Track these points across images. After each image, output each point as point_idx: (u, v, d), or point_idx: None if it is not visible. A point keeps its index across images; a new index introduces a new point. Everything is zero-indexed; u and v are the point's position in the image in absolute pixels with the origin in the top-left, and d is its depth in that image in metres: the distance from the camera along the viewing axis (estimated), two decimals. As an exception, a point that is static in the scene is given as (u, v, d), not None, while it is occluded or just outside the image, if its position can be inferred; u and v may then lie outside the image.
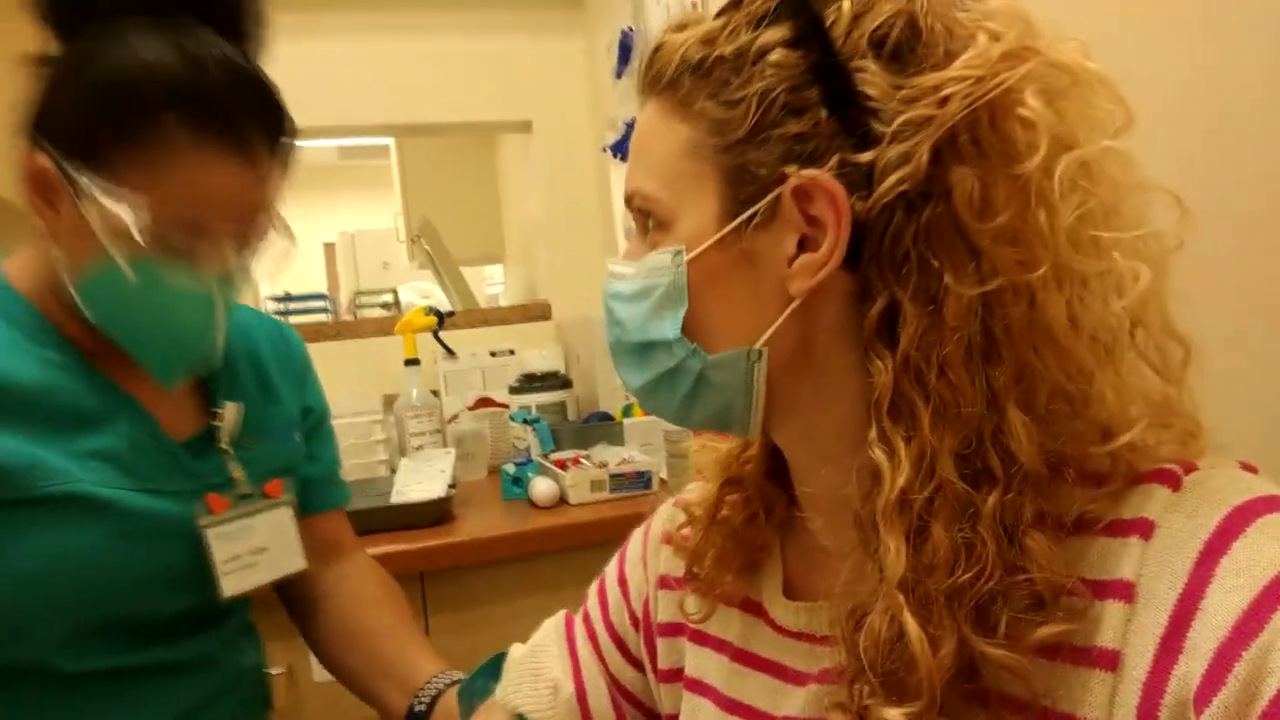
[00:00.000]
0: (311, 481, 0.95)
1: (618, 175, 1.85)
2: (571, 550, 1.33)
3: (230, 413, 0.83)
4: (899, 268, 0.42)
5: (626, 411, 1.79)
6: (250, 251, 0.75)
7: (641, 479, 1.45)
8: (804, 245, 0.44)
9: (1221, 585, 0.36)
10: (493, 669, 0.69)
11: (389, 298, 3.46)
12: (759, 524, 0.55)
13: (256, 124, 0.71)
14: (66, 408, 0.72)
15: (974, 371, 0.41)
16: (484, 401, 1.90)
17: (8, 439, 0.68)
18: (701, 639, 0.58)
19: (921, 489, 0.41)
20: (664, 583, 0.61)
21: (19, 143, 0.69)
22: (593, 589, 0.68)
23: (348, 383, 1.90)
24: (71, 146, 0.67)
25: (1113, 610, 0.39)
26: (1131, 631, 0.38)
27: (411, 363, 1.84)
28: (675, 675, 0.60)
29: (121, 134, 0.66)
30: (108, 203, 0.66)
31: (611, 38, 1.80)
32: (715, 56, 0.45)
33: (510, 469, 1.54)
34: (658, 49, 0.48)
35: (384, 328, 1.95)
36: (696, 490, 0.59)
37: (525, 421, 1.70)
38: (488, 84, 2.16)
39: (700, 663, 0.58)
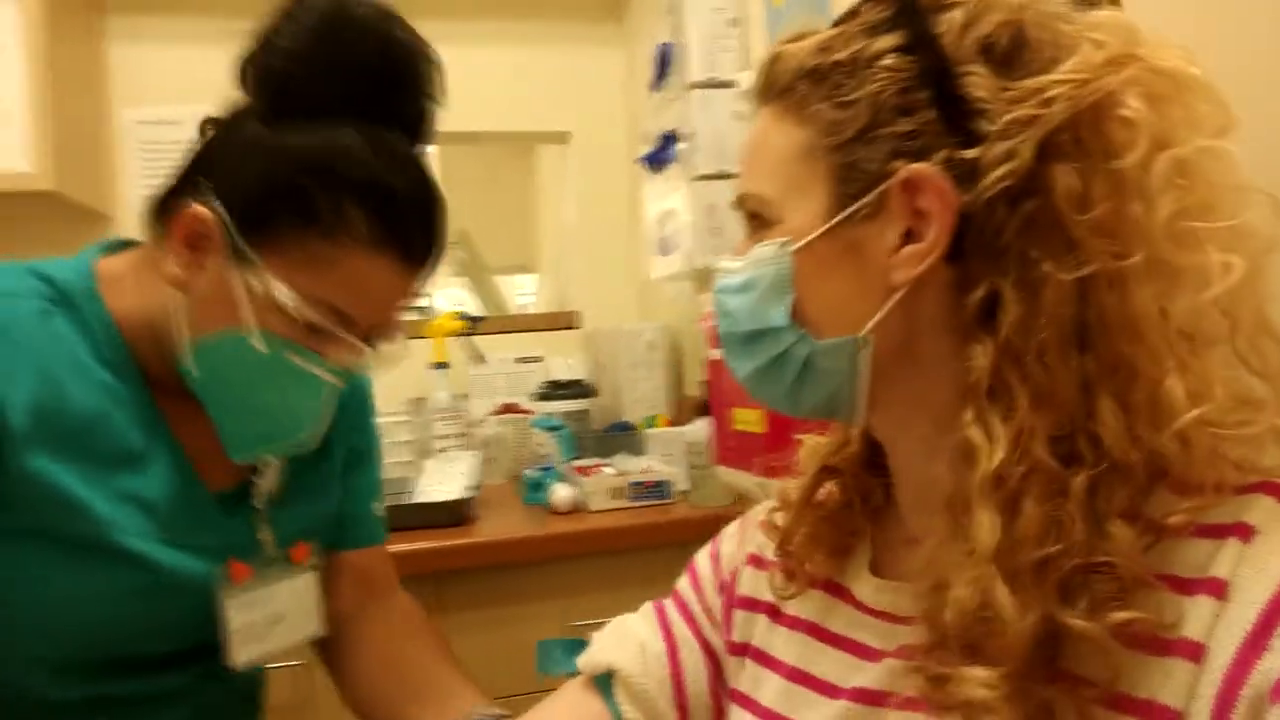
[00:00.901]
0: (346, 517, 0.91)
1: (651, 187, 1.87)
2: (589, 556, 1.34)
3: (270, 474, 0.80)
4: (999, 258, 0.45)
5: (649, 422, 1.80)
6: (375, 349, 0.74)
7: (660, 489, 1.45)
8: (908, 237, 0.47)
9: None
10: (573, 645, 0.69)
11: (424, 301, 3.50)
12: (853, 510, 0.58)
13: (425, 235, 0.72)
14: (112, 442, 0.70)
15: (1069, 358, 0.44)
16: (508, 407, 1.92)
17: (61, 471, 0.67)
18: (777, 615, 0.60)
19: (1016, 465, 0.43)
20: (754, 560, 0.64)
21: (179, 183, 0.71)
22: (684, 575, 0.70)
23: (376, 384, 1.93)
24: (244, 210, 0.67)
25: (1202, 605, 0.40)
26: (1220, 626, 0.39)
27: (440, 366, 1.87)
28: (743, 649, 0.62)
29: (302, 211, 0.66)
30: (268, 277, 0.66)
31: (650, 51, 1.82)
32: (831, 62, 0.49)
33: (531, 474, 1.55)
34: (775, 59, 0.52)
35: (414, 330, 1.97)
36: (795, 483, 0.62)
37: (548, 429, 1.71)
38: (528, 94, 2.19)
39: (771, 638, 0.60)
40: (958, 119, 0.45)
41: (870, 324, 0.48)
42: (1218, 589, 0.40)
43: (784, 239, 0.50)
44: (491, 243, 3.04)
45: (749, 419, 1.19)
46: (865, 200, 0.47)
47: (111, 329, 0.72)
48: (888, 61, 0.47)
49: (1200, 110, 0.44)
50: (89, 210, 1.85)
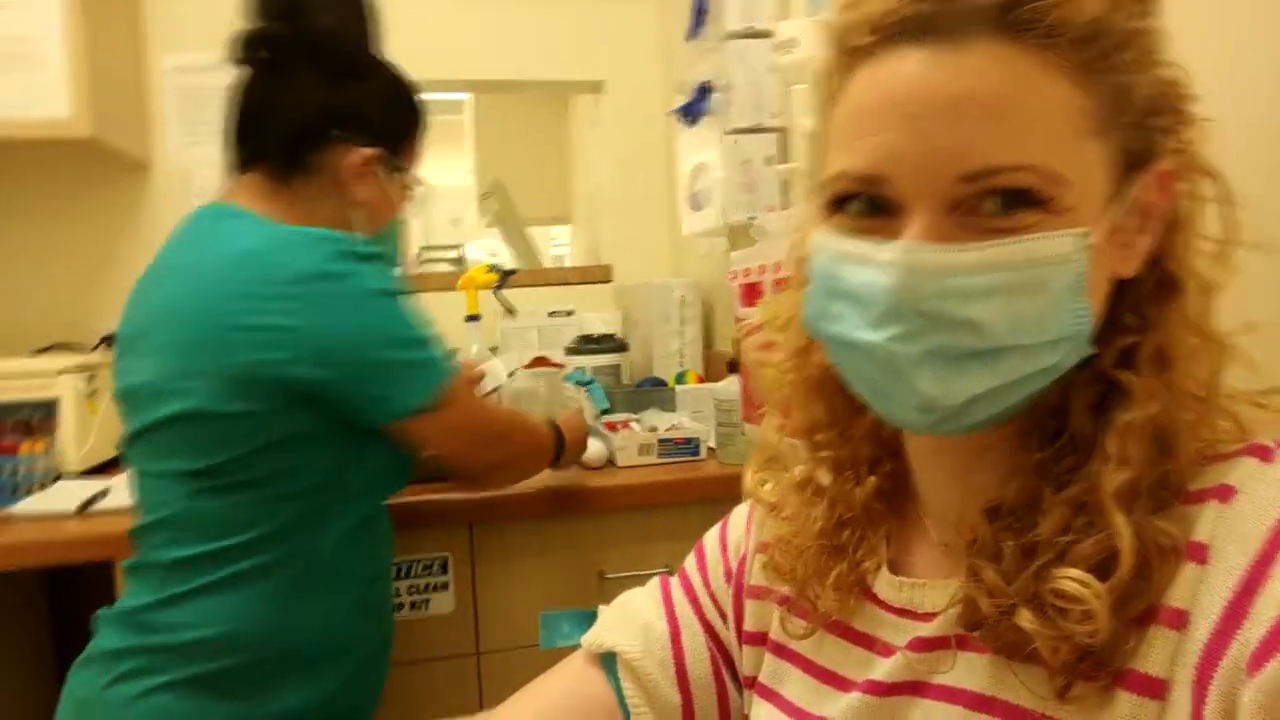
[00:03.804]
0: None
1: (685, 140, 1.84)
2: (616, 511, 1.35)
3: None
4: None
5: (680, 378, 1.79)
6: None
7: (689, 445, 1.46)
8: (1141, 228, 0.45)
9: None
10: (578, 618, 0.69)
11: (456, 254, 3.51)
12: (871, 544, 0.55)
13: None
14: None
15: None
16: (540, 360, 1.92)
17: None
18: (796, 611, 0.58)
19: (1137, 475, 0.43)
20: (764, 548, 0.61)
21: (334, 137, 1.03)
22: (690, 554, 0.69)
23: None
24: (388, 140, 1.06)
25: (1185, 570, 0.40)
26: (1201, 593, 0.39)
27: (472, 319, 1.87)
28: (759, 639, 0.60)
29: (414, 131, 1.11)
30: (408, 175, 1.11)
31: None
32: (1133, 27, 0.43)
33: (561, 428, 1.56)
34: None
35: (447, 283, 1.98)
36: (789, 525, 0.57)
37: (579, 383, 1.71)
38: (563, 43, 2.16)
39: (789, 631, 0.58)
40: (1183, 117, 0.45)
41: (1095, 327, 0.44)
42: (1198, 553, 0.40)
43: (1082, 230, 0.41)
44: (526, 194, 3.02)
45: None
46: (1134, 187, 0.44)
47: None
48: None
49: None
50: (128, 158, 1.87)
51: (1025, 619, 0.42)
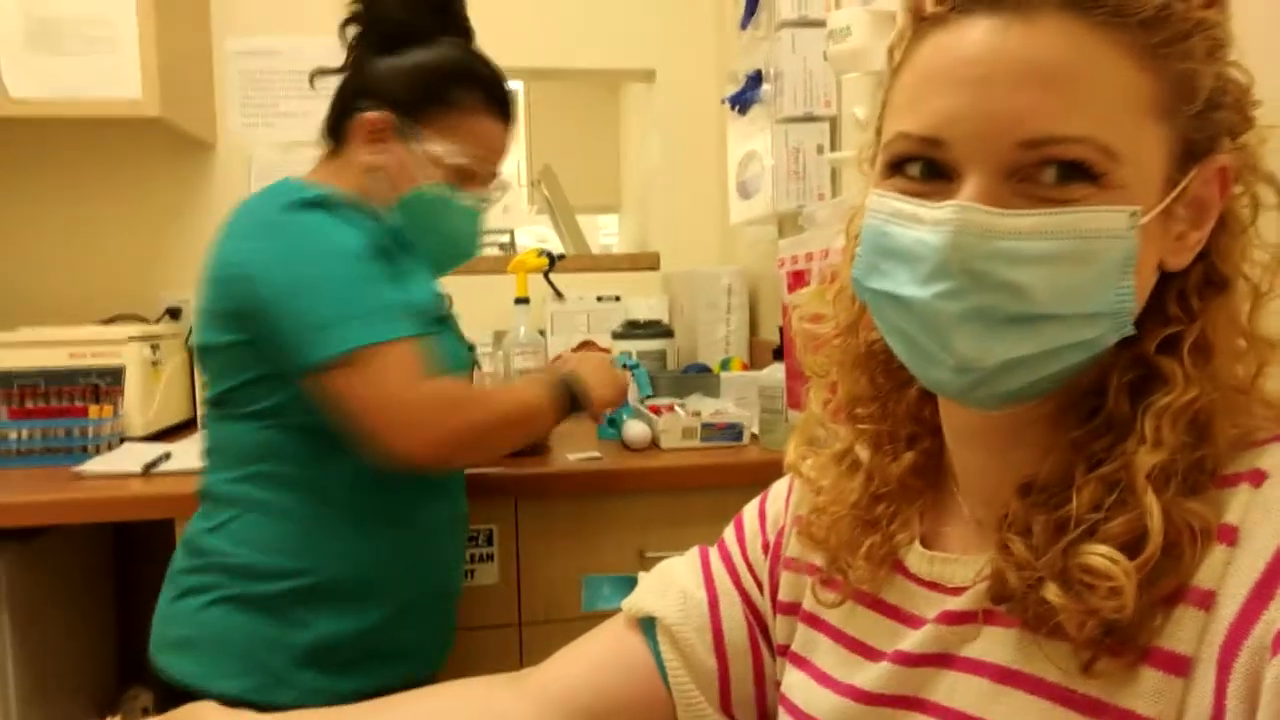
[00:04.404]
0: None
1: (735, 129, 1.84)
2: (658, 493, 1.37)
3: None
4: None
5: (724, 365, 1.81)
6: (492, 188, 1.15)
7: (732, 430, 1.47)
8: (1192, 222, 0.46)
9: None
10: (620, 583, 0.71)
11: (506, 238, 3.55)
12: (904, 518, 0.56)
13: (512, 104, 1.13)
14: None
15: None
16: (587, 344, 1.94)
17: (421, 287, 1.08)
18: (827, 581, 0.59)
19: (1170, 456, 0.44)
20: (801, 522, 0.61)
21: (340, 109, 1.07)
22: (729, 525, 0.70)
23: (462, 316, 1.98)
24: (406, 108, 1.05)
25: (1214, 552, 0.41)
26: (1229, 574, 0.40)
27: (521, 301, 1.90)
28: (793, 609, 0.62)
29: (444, 102, 1.06)
30: (432, 146, 1.06)
31: (740, -11, 1.79)
32: (1200, 17, 0.43)
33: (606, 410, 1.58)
34: None
35: (498, 266, 2.02)
36: (826, 495, 0.58)
37: (625, 366, 1.74)
38: (615, 31, 2.17)
39: (822, 602, 0.59)
40: (1246, 120, 0.46)
41: (1138, 311, 0.44)
42: (1228, 535, 0.41)
43: (1133, 208, 0.42)
44: (576, 181, 3.05)
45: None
46: (1190, 177, 0.44)
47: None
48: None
49: None
50: (193, 138, 1.93)
51: (1052, 593, 0.43)
